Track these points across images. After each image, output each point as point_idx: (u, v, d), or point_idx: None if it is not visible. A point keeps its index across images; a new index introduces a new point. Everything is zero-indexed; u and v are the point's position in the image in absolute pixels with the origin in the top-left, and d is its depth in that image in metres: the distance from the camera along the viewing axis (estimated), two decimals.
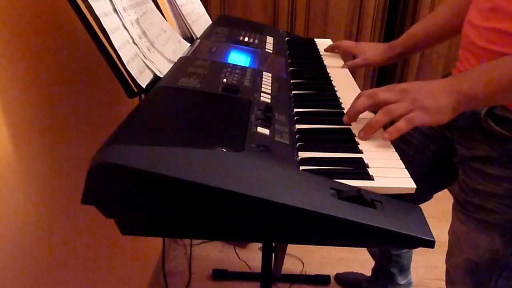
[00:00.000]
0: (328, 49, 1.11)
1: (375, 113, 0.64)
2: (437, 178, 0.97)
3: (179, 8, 0.97)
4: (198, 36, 1.00)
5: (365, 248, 1.38)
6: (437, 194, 1.01)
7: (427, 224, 0.48)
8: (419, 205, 0.52)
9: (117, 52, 0.60)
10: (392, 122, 0.61)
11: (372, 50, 1.03)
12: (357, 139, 0.61)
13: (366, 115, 0.66)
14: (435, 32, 0.96)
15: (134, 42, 0.67)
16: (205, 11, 1.19)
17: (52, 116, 0.72)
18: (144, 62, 0.68)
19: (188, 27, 0.99)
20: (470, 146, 0.77)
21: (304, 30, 1.99)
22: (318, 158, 0.55)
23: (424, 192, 0.99)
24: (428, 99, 0.60)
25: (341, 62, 1.03)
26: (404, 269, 1.26)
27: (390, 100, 0.61)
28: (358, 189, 0.48)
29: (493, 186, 0.73)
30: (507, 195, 0.72)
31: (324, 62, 1.01)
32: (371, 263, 1.35)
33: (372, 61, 1.02)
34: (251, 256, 1.63)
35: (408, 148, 0.97)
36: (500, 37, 0.68)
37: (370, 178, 0.52)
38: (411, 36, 0.99)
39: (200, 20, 1.10)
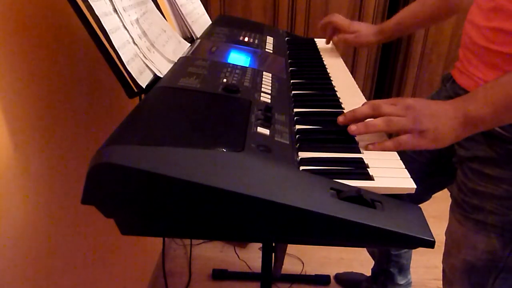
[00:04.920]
0: (322, 26, 1.13)
1: None
2: (436, 178, 0.97)
3: (179, 8, 0.97)
4: (198, 36, 1.00)
5: (365, 248, 1.38)
6: (436, 194, 1.01)
7: (427, 224, 0.48)
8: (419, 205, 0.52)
9: (117, 52, 0.60)
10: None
11: (364, 31, 1.06)
12: (357, 139, 0.61)
13: None
14: (424, 18, 1.01)
15: (134, 42, 0.67)
16: (205, 11, 1.19)
17: (52, 116, 0.72)
18: (144, 62, 0.68)
19: (188, 27, 0.99)
20: (469, 146, 0.77)
21: (304, 30, 1.99)
22: (318, 158, 0.55)
23: (423, 192, 0.98)
24: (429, 123, 0.59)
25: (341, 62, 1.03)
26: (403, 269, 1.26)
27: (392, 115, 0.60)
28: (358, 189, 0.48)
29: (492, 187, 0.73)
30: (506, 197, 0.72)
31: (324, 62, 1.01)
32: (371, 263, 1.35)
33: (363, 41, 1.06)
34: (251, 256, 1.62)
35: None
36: (501, 37, 0.68)
37: (370, 178, 0.52)
38: (400, 22, 1.03)
39: (200, 20, 1.10)
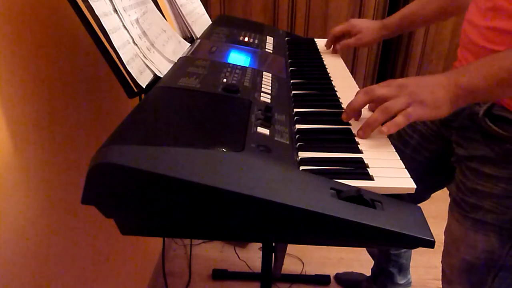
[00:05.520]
0: (328, 44, 1.11)
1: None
2: (435, 178, 0.97)
3: (179, 8, 0.98)
4: (198, 36, 1.00)
5: (365, 248, 1.38)
6: (436, 194, 1.01)
7: (427, 224, 0.48)
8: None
9: (117, 52, 0.60)
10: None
11: (366, 30, 1.04)
12: (357, 139, 0.61)
13: (367, 114, 0.66)
14: (429, 15, 1.00)
15: (134, 42, 0.67)
16: (205, 11, 1.19)
17: (52, 116, 0.72)
18: (144, 62, 0.68)
19: (188, 27, 0.99)
20: (467, 146, 0.77)
21: (304, 30, 1.99)
22: (318, 158, 0.55)
23: (422, 192, 0.99)
24: (425, 93, 0.60)
25: (341, 62, 1.03)
26: (403, 269, 1.26)
27: (387, 96, 0.61)
28: (358, 189, 0.48)
29: (491, 186, 0.73)
30: (505, 195, 0.72)
31: (324, 62, 1.01)
32: (371, 263, 1.35)
33: (366, 41, 1.05)
34: (251, 256, 1.62)
35: (405, 148, 0.97)
36: (500, 36, 0.68)
37: (370, 178, 0.52)
38: (405, 18, 1.02)
39: (200, 20, 1.10)
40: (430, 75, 0.64)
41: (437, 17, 1.01)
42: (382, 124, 0.61)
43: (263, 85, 0.73)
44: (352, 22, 1.06)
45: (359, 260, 1.58)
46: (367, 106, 0.66)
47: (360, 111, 0.66)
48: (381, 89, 0.62)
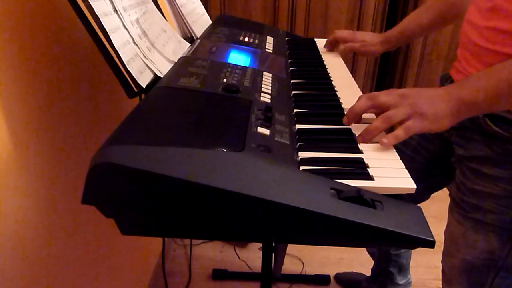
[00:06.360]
0: (328, 44, 1.12)
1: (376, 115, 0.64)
2: (435, 178, 0.97)
3: (179, 8, 0.98)
4: (198, 36, 1.00)
5: (365, 248, 1.38)
6: (436, 194, 1.01)
7: (427, 224, 0.48)
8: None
9: (117, 52, 0.60)
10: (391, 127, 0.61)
11: (370, 40, 1.06)
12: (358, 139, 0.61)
13: (367, 115, 0.66)
14: (428, 25, 1.00)
15: (134, 42, 0.67)
16: (205, 11, 1.19)
17: (52, 116, 0.72)
18: (144, 62, 0.68)
19: (188, 27, 0.99)
20: (467, 146, 0.77)
21: (304, 30, 1.99)
22: (318, 158, 0.55)
23: (422, 192, 0.99)
24: (426, 106, 0.60)
25: (341, 62, 1.03)
26: (403, 269, 1.26)
27: (389, 103, 0.61)
28: (358, 189, 0.48)
29: (491, 186, 0.73)
30: (505, 196, 0.72)
31: (324, 62, 1.01)
32: (371, 263, 1.35)
33: (371, 50, 1.07)
34: (251, 256, 1.63)
35: (405, 148, 0.97)
36: (500, 37, 0.68)
37: (370, 178, 0.52)
38: (405, 29, 1.03)
39: (200, 20, 1.10)
40: (430, 88, 0.65)
41: (436, 25, 1.01)
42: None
43: (263, 85, 0.73)
44: (356, 34, 1.08)
45: (359, 260, 1.58)
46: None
47: (361, 116, 0.66)
48: (384, 96, 0.62)
